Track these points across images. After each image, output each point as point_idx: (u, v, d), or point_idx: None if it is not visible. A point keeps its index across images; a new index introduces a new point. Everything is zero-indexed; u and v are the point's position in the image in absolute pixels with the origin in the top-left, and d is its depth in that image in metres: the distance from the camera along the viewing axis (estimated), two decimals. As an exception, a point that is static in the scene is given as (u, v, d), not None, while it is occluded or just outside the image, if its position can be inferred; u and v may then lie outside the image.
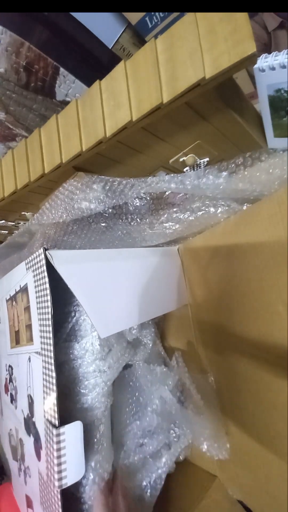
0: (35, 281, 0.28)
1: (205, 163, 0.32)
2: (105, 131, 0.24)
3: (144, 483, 0.31)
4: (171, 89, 0.20)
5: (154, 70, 0.21)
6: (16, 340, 0.34)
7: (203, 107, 0.24)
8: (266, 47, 0.48)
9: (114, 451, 0.31)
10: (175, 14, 0.47)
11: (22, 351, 0.32)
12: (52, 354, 0.25)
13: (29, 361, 0.30)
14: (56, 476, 0.23)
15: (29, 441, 0.30)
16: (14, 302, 0.34)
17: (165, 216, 0.33)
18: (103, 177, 0.28)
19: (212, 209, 0.31)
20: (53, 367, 0.25)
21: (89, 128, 0.25)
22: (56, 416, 0.24)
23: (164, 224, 0.33)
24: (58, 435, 0.24)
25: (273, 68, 0.26)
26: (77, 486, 0.27)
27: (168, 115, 0.22)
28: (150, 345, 0.37)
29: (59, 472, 0.24)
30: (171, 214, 0.33)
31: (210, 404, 0.32)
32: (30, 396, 0.30)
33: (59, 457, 0.24)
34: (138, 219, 0.34)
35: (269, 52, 0.26)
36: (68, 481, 0.24)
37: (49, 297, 0.26)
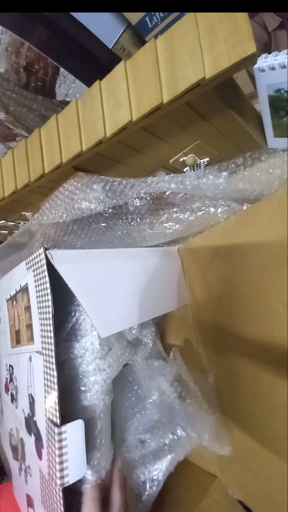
0: (35, 281, 0.28)
1: (205, 163, 0.32)
2: (105, 131, 0.24)
3: (144, 481, 0.31)
4: (171, 89, 0.20)
5: (154, 70, 0.21)
6: (17, 339, 0.34)
7: (203, 107, 0.24)
8: (266, 47, 0.48)
9: (115, 447, 0.31)
10: (175, 14, 0.47)
11: (22, 351, 0.32)
12: (53, 353, 0.25)
13: (30, 361, 0.30)
14: (58, 474, 0.23)
15: (30, 441, 0.30)
16: (14, 302, 0.34)
17: (165, 216, 0.33)
18: (103, 177, 0.28)
19: (212, 209, 0.31)
20: (54, 366, 0.25)
21: (89, 128, 0.25)
22: (58, 415, 0.24)
23: (164, 224, 0.34)
24: (60, 433, 0.24)
25: (273, 68, 0.26)
26: (76, 482, 0.27)
27: (168, 115, 0.23)
28: (151, 344, 0.37)
29: (61, 470, 0.24)
30: (171, 214, 0.33)
31: (210, 404, 0.32)
32: (31, 396, 0.30)
33: (60, 455, 0.24)
34: (138, 219, 0.34)
35: (269, 52, 0.26)
36: (70, 479, 0.24)
37: (49, 297, 0.26)
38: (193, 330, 0.37)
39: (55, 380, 0.25)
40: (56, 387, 0.25)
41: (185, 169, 0.33)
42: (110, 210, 0.32)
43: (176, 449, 0.32)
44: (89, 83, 0.39)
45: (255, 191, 0.26)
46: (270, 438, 0.26)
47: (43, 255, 0.27)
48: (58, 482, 0.23)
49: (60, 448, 0.24)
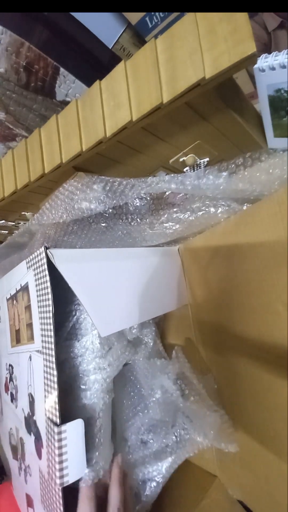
0: (36, 280, 0.28)
1: (205, 163, 0.32)
2: (105, 131, 0.24)
3: (143, 481, 0.31)
4: (171, 89, 0.20)
5: (154, 70, 0.21)
6: (17, 339, 0.34)
7: (203, 107, 0.24)
8: (266, 47, 0.48)
9: (116, 446, 0.31)
10: (175, 14, 0.47)
11: (22, 350, 0.32)
12: (53, 353, 0.25)
13: (30, 360, 0.30)
14: (57, 474, 0.24)
15: (29, 440, 0.30)
16: (14, 301, 0.34)
17: (165, 216, 0.33)
18: (103, 177, 0.28)
19: (212, 209, 0.31)
20: (54, 366, 0.25)
21: (89, 128, 0.25)
22: (58, 414, 0.24)
23: (164, 224, 0.34)
24: (59, 433, 0.24)
25: (273, 68, 0.26)
26: (76, 482, 0.27)
27: (168, 115, 0.23)
28: (151, 344, 0.37)
29: (61, 470, 0.24)
30: (171, 214, 0.33)
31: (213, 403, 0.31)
32: (31, 395, 0.30)
33: (60, 455, 0.24)
34: (138, 219, 0.34)
35: (269, 52, 0.26)
36: (70, 479, 0.24)
37: (50, 296, 0.26)
38: (193, 330, 0.37)
39: (55, 379, 0.25)
40: (56, 386, 0.25)
41: (185, 169, 0.33)
42: (110, 210, 0.32)
43: (178, 451, 0.32)
44: (89, 83, 0.39)
45: (255, 191, 0.26)
46: (270, 438, 0.26)
47: (43, 254, 0.27)
48: (58, 481, 0.23)
49: (60, 447, 0.24)
